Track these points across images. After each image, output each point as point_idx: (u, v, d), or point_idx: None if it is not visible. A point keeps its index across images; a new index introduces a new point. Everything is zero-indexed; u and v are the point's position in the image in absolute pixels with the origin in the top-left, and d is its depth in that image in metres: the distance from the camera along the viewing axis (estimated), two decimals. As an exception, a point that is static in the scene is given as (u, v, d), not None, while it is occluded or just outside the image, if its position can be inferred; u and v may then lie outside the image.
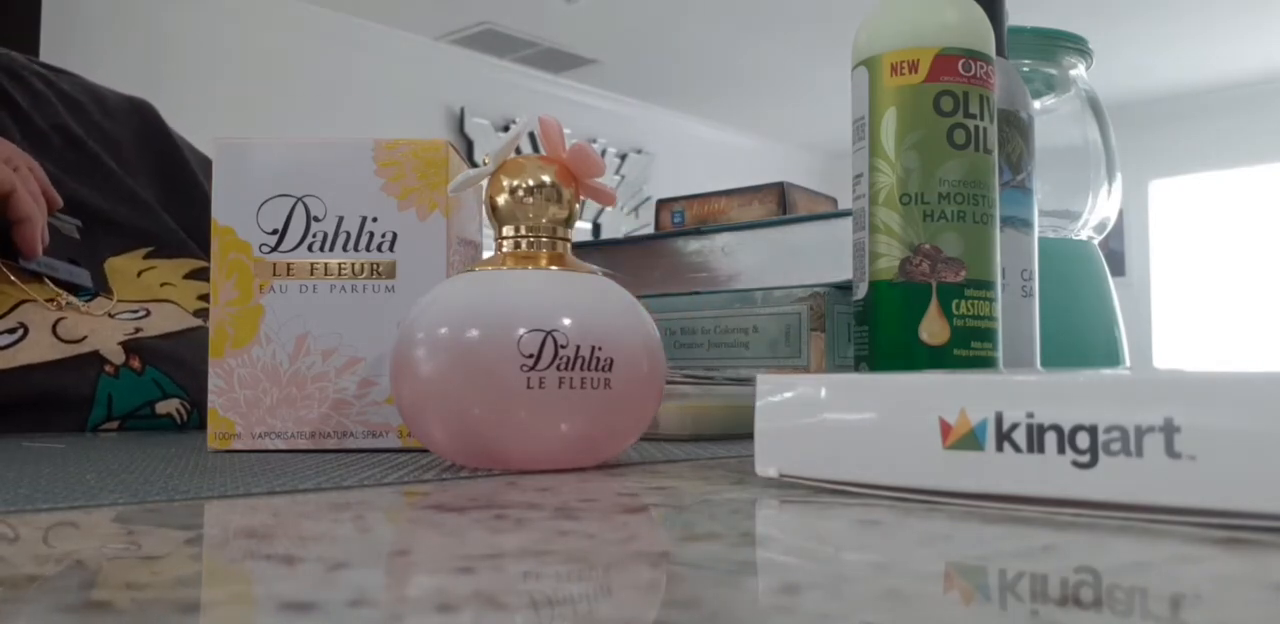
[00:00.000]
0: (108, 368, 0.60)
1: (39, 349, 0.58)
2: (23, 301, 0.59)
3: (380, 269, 0.41)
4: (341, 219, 0.41)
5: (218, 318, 0.40)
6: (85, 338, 0.60)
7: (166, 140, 0.80)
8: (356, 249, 0.41)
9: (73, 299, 0.61)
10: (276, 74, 3.32)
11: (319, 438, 0.40)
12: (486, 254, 0.40)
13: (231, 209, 0.41)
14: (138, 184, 0.74)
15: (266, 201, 0.41)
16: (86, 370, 0.59)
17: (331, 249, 0.41)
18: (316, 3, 3.42)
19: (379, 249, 0.41)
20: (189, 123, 0.83)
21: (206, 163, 0.82)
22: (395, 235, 0.41)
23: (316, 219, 0.41)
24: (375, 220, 0.41)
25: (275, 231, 0.41)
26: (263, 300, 0.40)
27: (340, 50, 3.51)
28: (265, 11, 3.34)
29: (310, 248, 0.41)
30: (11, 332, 0.58)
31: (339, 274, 0.41)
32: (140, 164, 0.76)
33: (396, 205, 0.41)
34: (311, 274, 0.41)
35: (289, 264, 0.40)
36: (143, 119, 0.80)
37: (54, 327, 0.59)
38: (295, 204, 0.41)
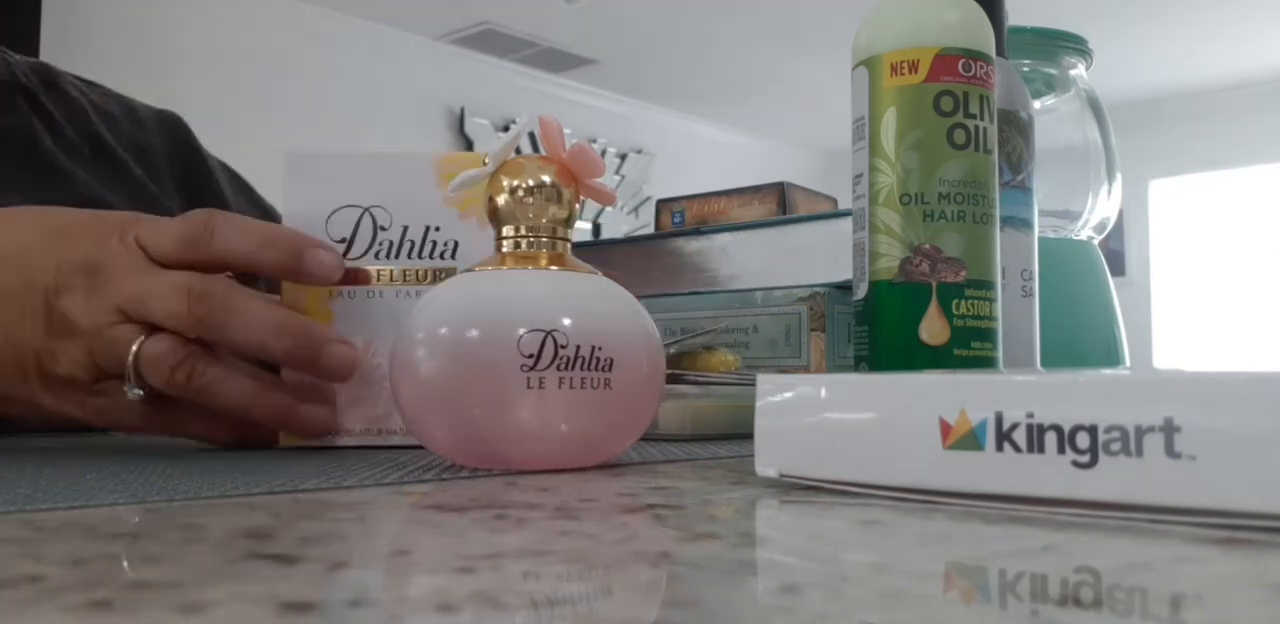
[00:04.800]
0: None
1: None
2: None
3: (443, 275, 0.42)
4: (406, 228, 0.42)
5: None
6: None
7: (194, 152, 0.81)
8: (420, 256, 0.42)
9: None
10: (277, 74, 3.32)
11: (385, 434, 0.41)
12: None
13: (302, 218, 0.42)
14: (163, 193, 0.74)
15: (335, 212, 0.42)
16: None
17: (397, 256, 0.42)
18: (316, 3, 3.42)
19: (441, 256, 0.42)
20: (189, 122, 0.83)
21: (231, 175, 0.83)
22: (457, 244, 0.42)
23: (383, 228, 0.42)
24: (438, 229, 0.42)
25: (343, 240, 0.42)
26: (331, 306, 0.42)
27: (340, 50, 3.51)
28: (265, 11, 3.34)
29: (376, 256, 0.42)
30: None
31: (404, 280, 0.42)
32: (167, 174, 0.78)
33: (458, 215, 0.42)
34: (378, 280, 0.42)
35: (357, 271, 0.42)
36: (171, 130, 0.81)
37: None
38: (362, 214, 0.42)
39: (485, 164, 0.35)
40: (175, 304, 0.37)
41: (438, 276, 0.42)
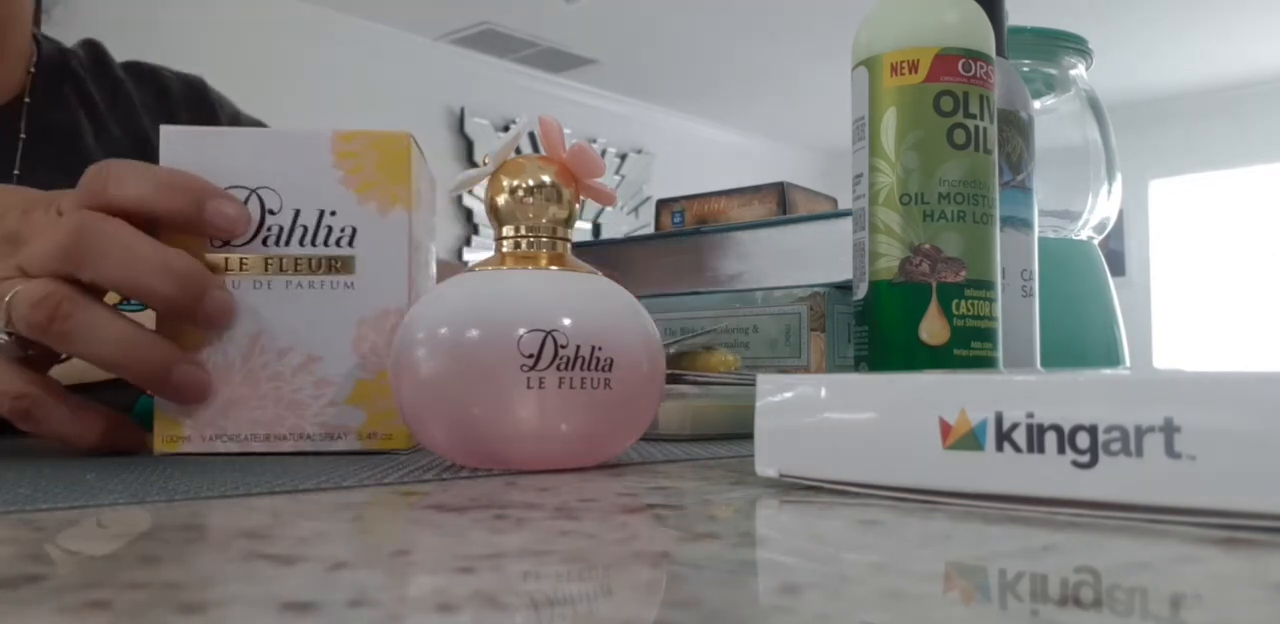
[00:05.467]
0: (147, 392, 0.60)
1: (85, 370, 0.57)
2: None
3: (339, 264, 0.39)
4: (298, 212, 0.39)
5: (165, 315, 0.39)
6: None
7: (210, 118, 0.81)
8: (314, 243, 0.39)
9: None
10: (276, 74, 3.32)
11: (274, 440, 0.38)
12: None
13: None
14: None
15: None
16: (127, 395, 0.59)
17: (288, 243, 0.39)
18: (317, 3, 3.42)
19: (337, 244, 0.39)
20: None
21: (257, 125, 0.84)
22: (355, 230, 0.39)
23: (271, 212, 0.39)
24: (334, 214, 0.39)
25: None
26: None
27: (340, 50, 3.51)
28: (266, 12, 3.34)
29: (265, 242, 0.39)
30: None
31: (295, 270, 0.39)
32: None
33: (356, 199, 0.39)
34: (266, 270, 0.39)
35: (242, 259, 0.39)
36: (194, 97, 0.81)
37: None
38: (249, 196, 0.39)
39: (485, 163, 0.35)
40: (55, 243, 0.35)
41: (333, 266, 0.39)
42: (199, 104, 0.81)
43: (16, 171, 0.67)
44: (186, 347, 0.38)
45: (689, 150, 4.68)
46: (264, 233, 0.39)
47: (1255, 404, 0.20)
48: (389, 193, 0.40)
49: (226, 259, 0.39)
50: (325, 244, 0.39)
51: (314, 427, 0.39)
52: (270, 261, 0.39)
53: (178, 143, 0.39)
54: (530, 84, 4.09)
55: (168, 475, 0.30)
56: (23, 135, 0.69)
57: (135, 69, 0.80)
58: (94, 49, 0.78)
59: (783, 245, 0.61)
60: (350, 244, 0.39)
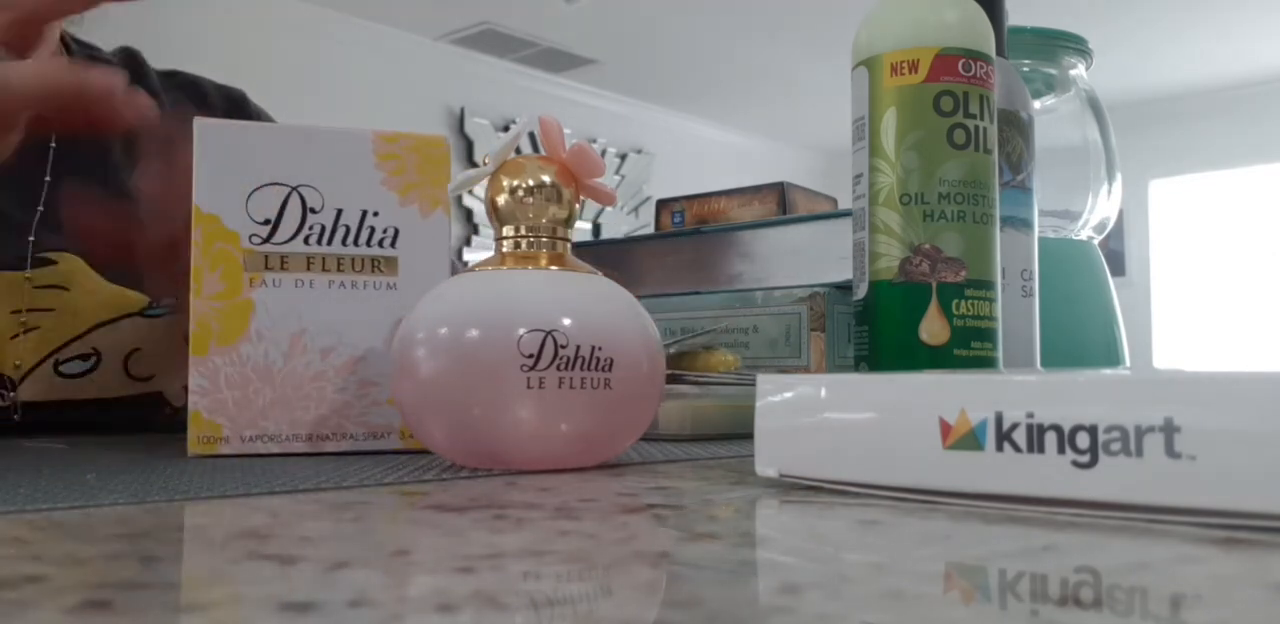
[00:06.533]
0: (167, 410, 0.59)
1: (109, 383, 0.57)
2: (99, 325, 0.58)
3: (382, 265, 0.39)
4: (340, 212, 0.39)
5: (200, 312, 0.38)
6: (153, 377, 0.59)
7: None
8: (357, 243, 0.39)
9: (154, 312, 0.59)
10: (277, 74, 3.32)
11: (316, 441, 0.38)
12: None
13: (216, 195, 0.38)
14: None
15: (257, 189, 0.38)
16: (149, 411, 0.59)
17: (329, 242, 0.39)
18: (317, 3, 3.42)
19: (380, 244, 0.39)
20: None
21: None
22: (397, 231, 0.39)
23: (313, 211, 0.39)
24: (376, 215, 0.39)
25: (267, 221, 0.38)
26: (253, 294, 0.38)
27: (340, 50, 3.51)
28: (265, 12, 3.34)
29: (307, 241, 0.38)
30: (85, 358, 0.57)
31: (338, 269, 0.39)
32: None
33: (398, 200, 0.40)
34: (309, 268, 0.38)
35: (283, 256, 0.38)
36: (233, 112, 0.81)
37: (126, 360, 0.58)
38: (290, 194, 0.39)
39: (485, 163, 0.35)
40: None
41: (376, 266, 0.39)
42: (237, 117, 0.81)
43: (48, 178, 0.68)
44: (225, 343, 0.38)
45: (689, 150, 4.68)
46: (305, 231, 0.39)
47: (1255, 404, 0.20)
48: (429, 196, 0.40)
49: (267, 256, 0.38)
50: (368, 244, 0.39)
51: (357, 426, 0.39)
52: (312, 260, 0.39)
53: (212, 136, 0.38)
54: (530, 84, 4.09)
55: (168, 475, 0.30)
56: (53, 144, 0.69)
57: (174, 78, 0.80)
58: (131, 59, 0.78)
59: (783, 245, 0.61)
60: (393, 245, 0.39)
